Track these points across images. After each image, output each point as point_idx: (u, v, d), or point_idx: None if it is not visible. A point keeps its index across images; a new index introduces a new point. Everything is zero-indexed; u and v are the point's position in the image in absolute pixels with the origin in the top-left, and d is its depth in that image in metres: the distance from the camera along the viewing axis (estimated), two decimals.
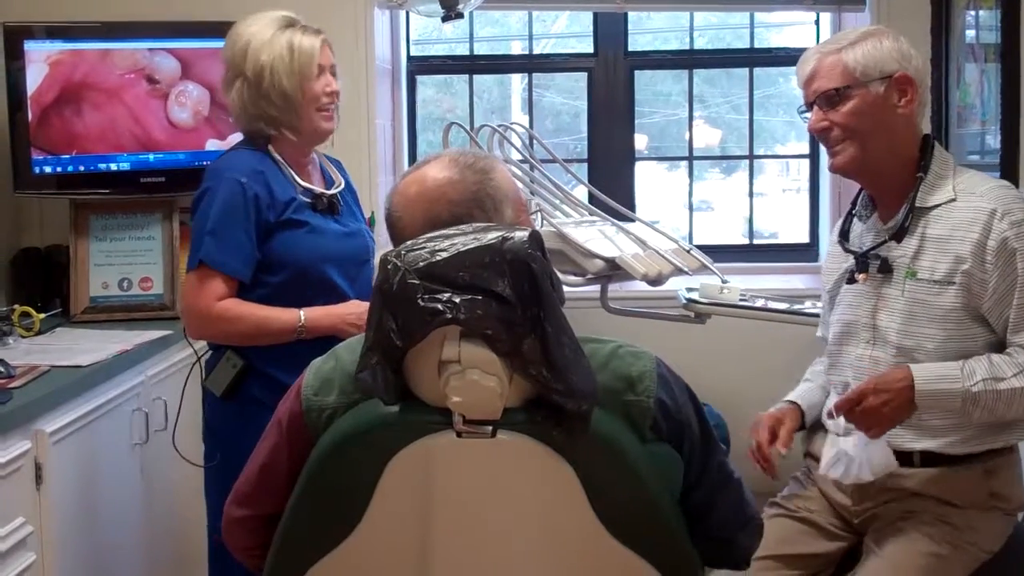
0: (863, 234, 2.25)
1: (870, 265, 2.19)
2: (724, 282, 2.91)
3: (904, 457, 2.13)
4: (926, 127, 2.24)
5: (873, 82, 2.12)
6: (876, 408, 2.04)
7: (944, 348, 2.09)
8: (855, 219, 2.29)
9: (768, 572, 2.17)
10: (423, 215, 1.66)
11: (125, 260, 3.21)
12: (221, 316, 2.29)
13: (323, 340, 2.14)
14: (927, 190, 2.14)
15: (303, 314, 2.30)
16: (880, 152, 2.15)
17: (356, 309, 2.33)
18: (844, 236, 2.30)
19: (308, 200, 2.40)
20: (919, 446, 2.13)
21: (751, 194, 4.03)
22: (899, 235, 2.15)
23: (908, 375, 2.04)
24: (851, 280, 2.24)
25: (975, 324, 2.09)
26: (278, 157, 2.40)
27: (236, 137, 2.57)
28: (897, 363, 2.12)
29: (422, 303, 1.46)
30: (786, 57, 4.04)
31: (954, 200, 2.11)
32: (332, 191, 2.47)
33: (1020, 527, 2.20)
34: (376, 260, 2.51)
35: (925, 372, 2.05)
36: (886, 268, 2.17)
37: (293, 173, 2.40)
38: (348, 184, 2.57)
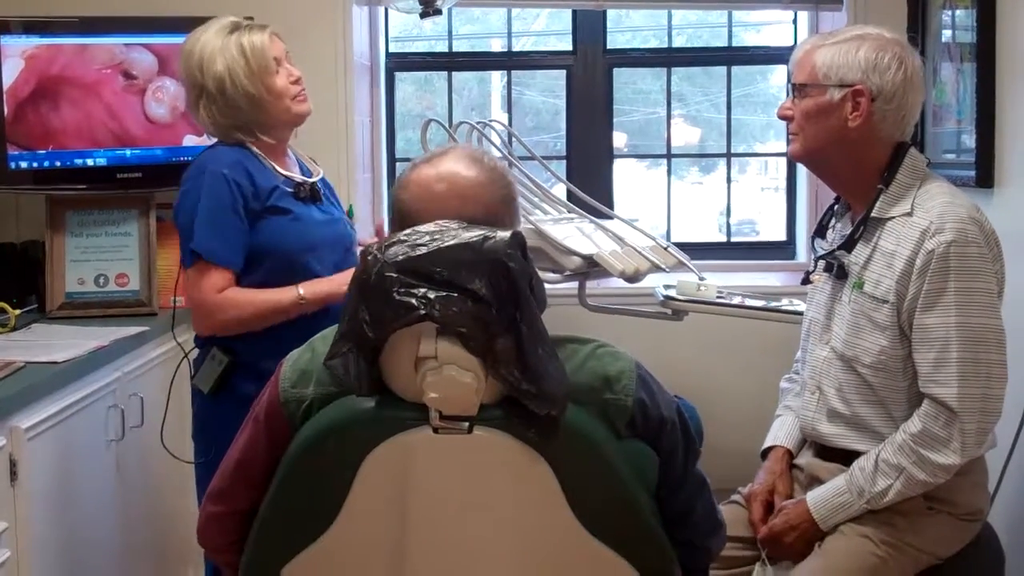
0: (838, 232, 2.27)
1: (833, 266, 2.20)
2: (701, 279, 2.92)
3: (849, 456, 2.16)
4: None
5: (831, 88, 2.11)
6: (792, 543, 2.15)
7: (879, 363, 2.10)
8: (834, 216, 2.31)
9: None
10: (455, 213, 1.59)
11: (101, 256, 3.19)
12: (222, 306, 2.31)
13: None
14: (888, 201, 2.12)
15: (302, 290, 2.33)
16: (834, 158, 2.16)
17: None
18: (820, 231, 2.32)
19: (289, 189, 2.42)
20: (861, 447, 2.14)
21: (728, 192, 4.04)
22: (848, 245, 2.17)
23: (807, 512, 2.14)
24: (805, 280, 2.30)
25: (909, 343, 2.08)
26: (256, 150, 2.42)
27: None
28: (842, 368, 2.16)
29: (397, 296, 1.46)
30: (764, 56, 4.05)
31: (910, 214, 2.09)
32: (313, 179, 2.49)
33: (983, 534, 2.20)
34: (358, 250, 2.54)
35: (820, 507, 2.13)
36: (842, 273, 2.18)
37: (273, 163, 2.43)
38: (323, 178, 2.58)
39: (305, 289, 2.34)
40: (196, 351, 2.46)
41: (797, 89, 2.17)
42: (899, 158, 2.14)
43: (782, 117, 2.22)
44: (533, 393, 1.48)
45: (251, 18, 2.53)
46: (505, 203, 1.67)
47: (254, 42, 2.40)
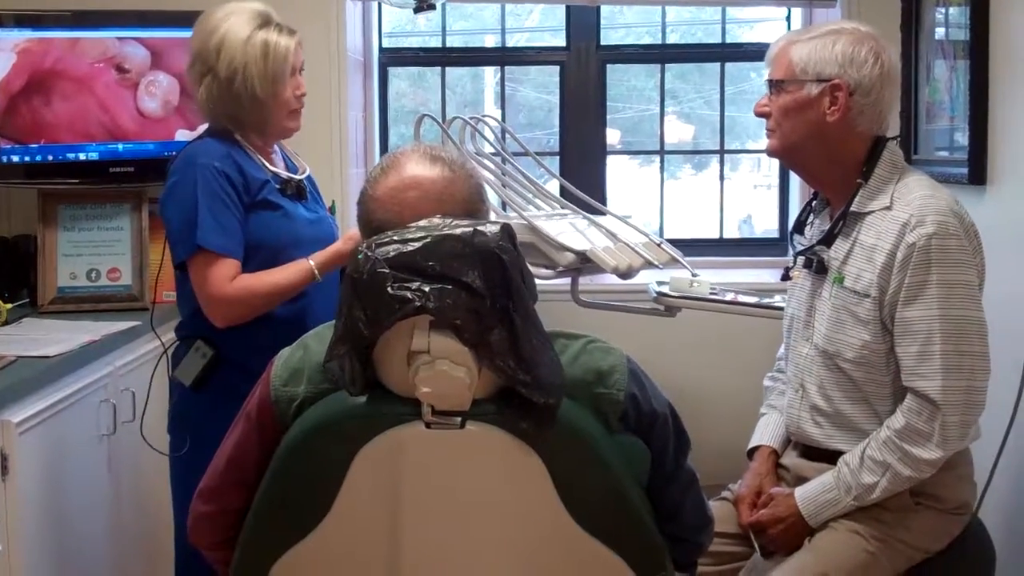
0: (817, 228, 2.27)
1: (813, 262, 2.20)
2: (694, 275, 2.92)
3: (835, 457, 2.16)
4: (892, 130, 2.22)
5: (809, 83, 2.12)
6: (778, 536, 2.16)
7: (862, 358, 2.11)
8: (812, 212, 2.31)
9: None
10: (432, 216, 1.58)
11: (93, 250, 3.19)
12: (239, 296, 2.28)
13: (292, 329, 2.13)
14: (867, 195, 2.13)
15: (312, 262, 2.32)
16: (812, 153, 2.17)
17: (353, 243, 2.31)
18: (799, 228, 2.32)
19: (277, 185, 2.41)
20: (846, 448, 2.15)
21: (722, 189, 4.04)
22: (828, 240, 2.18)
23: (795, 507, 2.14)
24: (785, 276, 2.30)
25: (891, 337, 2.09)
26: (245, 144, 2.40)
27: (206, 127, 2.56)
28: (823, 365, 2.17)
29: (391, 291, 1.46)
30: (757, 52, 4.04)
31: (889, 208, 2.10)
32: (299, 176, 2.48)
33: (973, 530, 2.21)
34: None
35: (809, 504, 2.13)
36: (822, 268, 2.19)
37: (261, 159, 2.41)
38: (308, 175, 2.57)
39: (316, 263, 2.32)
40: (176, 345, 2.44)
41: (774, 85, 2.18)
42: (877, 152, 2.15)
43: (759, 114, 2.22)
44: (529, 383, 1.48)
45: None
46: (478, 193, 1.68)
47: (279, 45, 2.35)
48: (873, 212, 2.12)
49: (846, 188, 2.16)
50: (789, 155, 2.22)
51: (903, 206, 2.07)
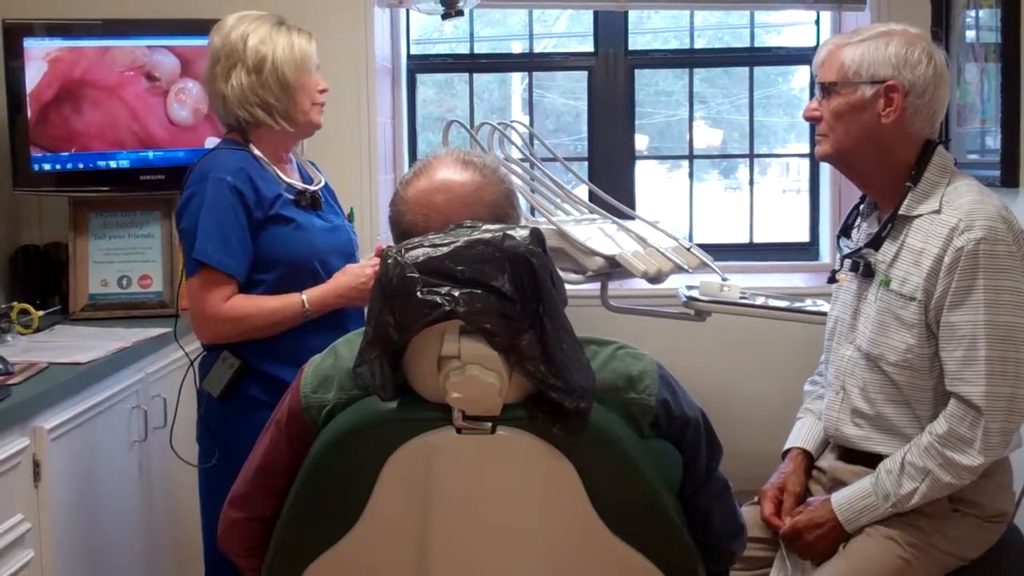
0: (864, 231, 2.26)
1: (860, 265, 2.19)
2: (724, 280, 2.91)
3: (872, 459, 2.15)
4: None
5: (862, 85, 2.09)
6: (814, 541, 2.14)
7: (905, 361, 2.08)
8: (859, 215, 2.30)
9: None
10: (460, 220, 1.57)
11: (124, 258, 3.21)
12: (230, 317, 2.29)
13: (323, 332, 2.13)
14: (916, 199, 2.10)
15: (305, 297, 2.32)
16: (865, 156, 2.14)
17: (352, 281, 2.33)
18: (845, 231, 2.30)
19: (291, 197, 2.41)
20: (885, 450, 2.13)
21: (751, 193, 4.03)
22: (875, 243, 2.15)
23: (832, 514, 2.12)
24: (831, 279, 2.29)
25: (935, 341, 2.07)
26: (260, 155, 2.40)
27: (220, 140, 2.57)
28: (866, 367, 2.15)
29: (421, 296, 1.46)
30: (786, 56, 4.04)
31: (938, 212, 2.07)
32: (314, 187, 2.48)
33: (1008, 537, 2.19)
34: (360, 255, 2.54)
35: (846, 509, 2.11)
36: (868, 272, 2.17)
37: (276, 170, 2.41)
38: (324, 182, 2.57)
39: (308, 298, 2.32)
40: (203, 355, 2.45)
41: (825, 88, 2.14)
42: (927, 156, 2.12)
43: (809, 118, 2.19)
44: (560, 387, 1.48)
45: None
46: (507, 198, 1.67)
47: (301, 42, 2.42)
48: (922, 216, 2.09)
49: (895, 191, 2.13)
50: (841, 159, 2.19)
51: (952, 210, 2.05)
